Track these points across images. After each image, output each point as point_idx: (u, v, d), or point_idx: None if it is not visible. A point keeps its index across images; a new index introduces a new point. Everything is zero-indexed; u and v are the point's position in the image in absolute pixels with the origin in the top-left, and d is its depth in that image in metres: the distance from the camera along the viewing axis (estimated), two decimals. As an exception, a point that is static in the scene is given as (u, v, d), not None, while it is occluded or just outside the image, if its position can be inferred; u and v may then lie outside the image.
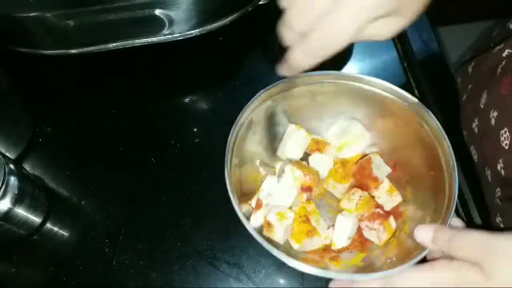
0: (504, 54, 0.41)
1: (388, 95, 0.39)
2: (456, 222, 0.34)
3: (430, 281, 0.29)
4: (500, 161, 0.38)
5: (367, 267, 0.35)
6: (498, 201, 0.40)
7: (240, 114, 0.37)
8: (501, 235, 0.28)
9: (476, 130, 0.43)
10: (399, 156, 0.40)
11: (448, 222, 0.32)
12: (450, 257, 0.29)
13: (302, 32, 0.27)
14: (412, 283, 0.29)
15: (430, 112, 0.37)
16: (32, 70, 0.48)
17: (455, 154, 0.45)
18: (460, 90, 0.50)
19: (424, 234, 0.30)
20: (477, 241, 0.28)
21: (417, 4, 0.28)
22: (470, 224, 0.42)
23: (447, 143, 0.35)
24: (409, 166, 0.40)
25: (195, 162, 0.44)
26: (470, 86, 0.47)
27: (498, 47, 0.42)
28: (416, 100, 0.37)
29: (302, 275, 0.39)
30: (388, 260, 0.34)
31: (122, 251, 0.40)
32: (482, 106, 0.41)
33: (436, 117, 0.48)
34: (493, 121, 0.39)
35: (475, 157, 0.44)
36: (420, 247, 0.31)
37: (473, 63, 0.48)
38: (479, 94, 0.42)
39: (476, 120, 0.43)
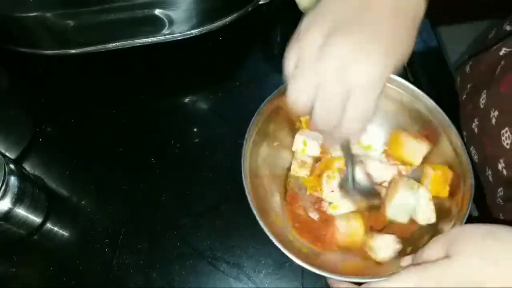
0: (501, 53, 0.41)
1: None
2: None
3: None
4: (501, 160, 0.38)
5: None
6: (501, 201, 0.40)
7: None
8: (461, 226, 0.30)
9: (476, 130, 0.43)
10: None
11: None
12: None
13: (332, 127, 0.28)
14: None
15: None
16: (32, 70, 0.48)
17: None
18: (459, 90, 0.50)
19: (405, 261, 0.33)
20: (438, 241, 0.30)
21: (410, 48, 0.28)
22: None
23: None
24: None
25: (195, 162, 0.44)
26: (469, 86, 0.47)
27: (495, 47, 0.42)
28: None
29: (302, 275, 0.39)
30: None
31: (122, 251, 0.40)
32: (482, 106, 0.41)
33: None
34: (493, 120, 0.39)
35: (475, 157, 0.44)
36: None
37: (470, 63, 0.48)
38: (478, 94, 0.42)
39: (476, 120, 0.43)
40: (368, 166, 0.39)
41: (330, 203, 0.39)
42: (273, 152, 0.41)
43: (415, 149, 0.39)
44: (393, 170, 0.40)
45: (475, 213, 0.42)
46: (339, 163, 0.39)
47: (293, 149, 0.41)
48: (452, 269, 0.28)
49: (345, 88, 0.26)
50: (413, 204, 0.37)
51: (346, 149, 0.35)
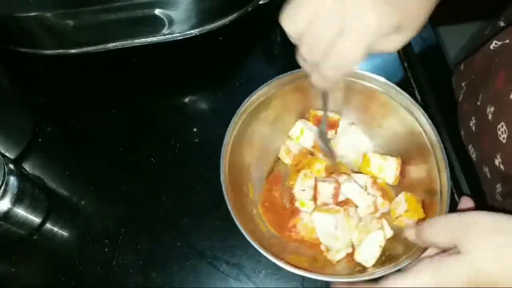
0: (491, 47, 0.41)
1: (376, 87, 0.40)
2: (467, 202, 0.35)
3: None
4: (498, 156, 0.38)
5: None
6: (499, 197, 0.40)
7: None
8: (472, 212, 0.29)
9: (473, 128, 0.43)
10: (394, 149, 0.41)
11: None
12: (431, 256, 0.30)
13: (314, 62, 0.29)
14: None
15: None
16: (32, 70, 0.48)
17: (455, 155, 0.45)
18: (455, 90, 0.50)
19: (409, 231, 0.33)
20: (449, 221, 0.29)
21: (419, 18, 0.29)
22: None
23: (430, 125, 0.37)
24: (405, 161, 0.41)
25: (195, 162, 0.44)
26: (464, 84, 0.47)
27: (487, 43, 0.42)
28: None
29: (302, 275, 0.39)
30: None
31: (122, 251, 0.40)
32: (478, 104, 0.41)
33: (437, 117, 0.48)
34: (490, 116, 0.39)
35: (474, 155, 0.44)
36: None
37: (465, 62, 0.48)
38: (475, 92, 0.42)
39: (473, 118, 0.43)
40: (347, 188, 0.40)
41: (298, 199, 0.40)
42: (271, 132, 0.41)
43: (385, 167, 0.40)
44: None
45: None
46: (320, 166, 0.40)
47: (289, 133, 0.42)
48: (466, 267, 0.27)
49: (338, 24, 0.26)
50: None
51: (324, 99, 0.36)
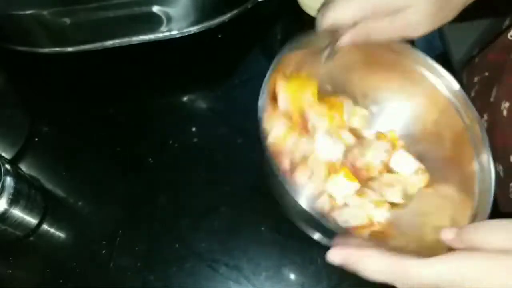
0: (509, 35, 0.40)
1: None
2: None
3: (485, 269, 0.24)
4: None
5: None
6: None
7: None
8: None
9: (485, 125, 0.42)
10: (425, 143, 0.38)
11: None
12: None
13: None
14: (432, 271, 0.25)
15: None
16: (29, 69, 0.48)
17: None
18: (466, 87, 0.49)
19: (449, 232, 0.27)
20: (502, 225, 0.25)
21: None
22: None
23: (484, 143, 0.33)
24: (433, 164, 0.37)
25: (193, 162, 0.44)
26: (477, 80, 0.46)
27: (504, 33, 0.42)
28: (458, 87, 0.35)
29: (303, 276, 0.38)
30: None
31: (120, 253, 0.39)
32: (492, 99, 0.41)
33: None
34: (505, 112, 0.38)
35: None
36: None
37: (479, 56, 0.47)
38: (489, 88, 0.42)
39: (485, 115, 0.42)
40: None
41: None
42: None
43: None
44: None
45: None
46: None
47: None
48: None
49: None
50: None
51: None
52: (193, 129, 0.46)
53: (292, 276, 0.39)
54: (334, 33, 0.32)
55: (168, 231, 0.40)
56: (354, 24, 0.31)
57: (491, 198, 0.31)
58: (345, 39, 0.32)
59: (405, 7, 0.29)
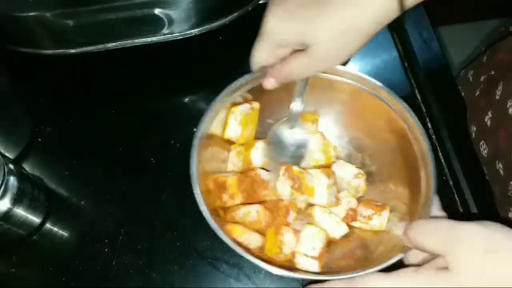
0: None
1: (354, 83, 0.38)
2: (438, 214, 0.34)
3: None
4: None
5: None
6: None
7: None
8: (466, 224, 0.28)
9: (489, 123, 0.42)
10: (373, 149, 0.41)
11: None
12: (417, 266, 0.29)
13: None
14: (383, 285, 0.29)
15: (398, 97, 0.37)
16: (32, 70, 0.48)
17: (457, 154, 0.45)
18: (470, 86, 0.49)
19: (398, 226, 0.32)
20: (441, 229, 0.29)
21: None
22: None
23: (420, 129, 0.35)
24: (383, 160, 0.40)
25: (195, 162, 0.44)
26: (483, 78, 0.46)
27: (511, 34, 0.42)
28: (380, 84, 0.37)
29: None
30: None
31: (122, 251, 0.40)
32: (497, 98, 0.41)
33: (438, 116, 0.47)
34: (510, 110, 0.38)
35: (485, 152, 0.44)
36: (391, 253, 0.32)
37: (487, 55, 0.48)
38: (494, 86, 0.42)
39: (489, 113, 0.42)
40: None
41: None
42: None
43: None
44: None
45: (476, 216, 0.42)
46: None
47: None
48: (452, 284, 0.27)
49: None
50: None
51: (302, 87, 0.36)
52: (194, 129, 0.46)
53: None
54: (263, 75, 0.35)
55: (170, 229, 0.41)
56: (275, 64, 0.34)
57: (433, 196, 0.33)
58: (269, 82, 0.35)
59: (312, 43, 0.31)
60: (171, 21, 0.43)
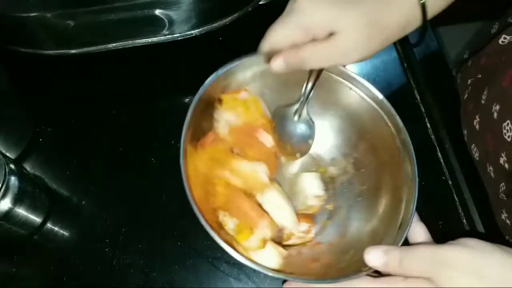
0: (500, 41, 0.41)
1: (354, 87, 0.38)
2: (417, 227, 0.35)
3: None
4: (503, 154, 0.38)
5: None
6: (503, 196, 0.40)
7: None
8: (446, 246, 0.29)
9: (477, 126, 0.43)
10: (359, 159, 0.40)
11: (402, 239, 0.32)
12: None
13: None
14: None
15: (393, 110, 0.37)
16: (32, 70, 0.48)
17: (455, 156, 0.45)
18: (459, 89, 0.50)
19: (375, 258, 0.31)
20: (425, 256, 0.29)
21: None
22: (470, 224, 0.43)
23: (409, 149, 0.35)
24: (367, 173, 0.39)
25: (195, 162, 0.44)
26: (470, 81, 0.47)
27: (496, 37, 0.42)
28: (381, 96, 0.37)
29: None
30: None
31: (123, 251, 0.40)
32: (483, 102, 0.41)
33: (437, 117, 0.48)
34: (495, 114, 0.39)
35: (476, 155, 0.44)
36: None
37: (472, 58, 0.48)
38: (480, 91, 0.42)
39: (477, 117, 0.43)
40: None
41: None
42: None
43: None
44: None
45: (476, 216, 0.42)
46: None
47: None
48: None
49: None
50: None
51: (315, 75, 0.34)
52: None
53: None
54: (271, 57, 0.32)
55: (170, 229, 0.41)
56: (290, 47, 0.31)
57: (414, 206, 0.33)
58: (279, 64, 0.32)
59: (336, 31, 0.30)
60: (171, 22, 0.43)
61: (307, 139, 0.39)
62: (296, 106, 0.38)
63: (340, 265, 0.34)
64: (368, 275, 0.31)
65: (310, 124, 0.39)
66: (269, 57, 0.33)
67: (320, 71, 0.35)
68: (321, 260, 0.36)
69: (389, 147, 0.37)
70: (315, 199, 0.39)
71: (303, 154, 0.40)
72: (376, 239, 0.35)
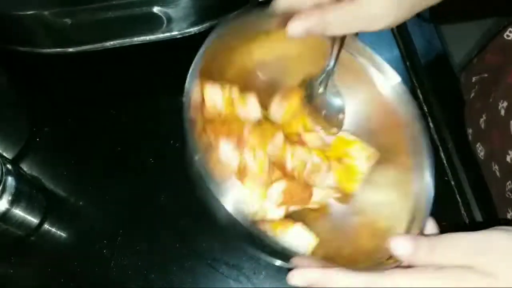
0: (505, 35, 0.41)
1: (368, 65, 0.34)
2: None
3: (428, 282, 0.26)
4: (510, 152, 0.38)
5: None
6: (510, 195, 0.39)
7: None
8: (493, 231, 0.26)
9: (483, 125, 0.42)
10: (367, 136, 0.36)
11: (423, 226, 0.30)
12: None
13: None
14: (406, 285, 0.26)
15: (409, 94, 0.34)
16: (30, 69, 0.48)
17: (458, 156, 0.44)
18: (465, 88, 0.49)
19: (404, 246, 0.27)
20: (462, 243, 0.26)
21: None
22: (473, 225, 0.42)
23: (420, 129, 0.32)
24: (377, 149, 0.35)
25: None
26: (475, 81, 0.46)
27: (501, 32, 0.42)
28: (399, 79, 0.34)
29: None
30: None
31: (121, 252, 0.40)
32: (490, 100, 0.41)
33: (440, 117, 0.47)
34: (502, 112, 0.38)
35: (481, 154, 0.44)
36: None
37: (478, 56, 0.48)
38: (487, 89, 0.42)
39: (483, 115, 0.42)
40: None
41: None
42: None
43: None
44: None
45: (478, 217, 0.42)
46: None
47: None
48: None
49: None
50: None
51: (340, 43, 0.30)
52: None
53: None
54: (286, 18, 0.27)
55: (169, 230, 0.41)
56: (312, 7, 0.27)
57: (431, 200, 0.30)
58: (297, 28, 0.27)
59: None
60: (170, 20, 0.43)
61: (338, 112, 0.35)
62: (321, 77, 0.33)
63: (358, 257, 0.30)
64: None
65: (338, 96, 0.35)
66: (285, 17, 0.28)
67: (343, 39, 0.30)
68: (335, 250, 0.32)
69: (396, 136, 0.34)
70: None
71: (339, 128, 0.35)
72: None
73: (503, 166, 0.39)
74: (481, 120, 0.43)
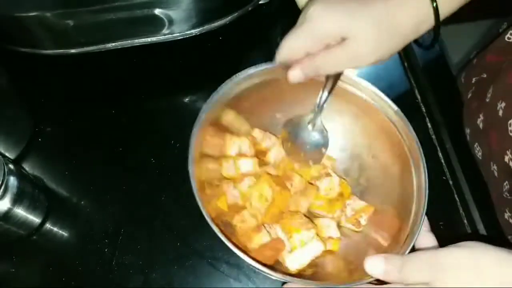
0: (506, 38, 0.41)
1: (368, 98, 0.38)
2: (426, 238, 0.34)
3: None
4: (508, 152, 0.38)
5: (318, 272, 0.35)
6: (507, 195, 0.39)
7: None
8: (445, 249, 0.29)
9: (481, 125, 0.43)
10: (372, 170, 0.40)
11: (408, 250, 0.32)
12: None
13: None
14: None
15: (408, 123, 0.36)
16: (32, 70, 0.48)
17: (456, 156, 0.45)
18: (463, 88, 0.50)
19: (376, 267, 0.30)
20: (424, 262, 0.29)
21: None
22: (471, 225, 0.42)
23: (423, 164, 0.35)
24: (378, 183, 0.39)
25: (195, 162, 0.44)
26: (474, 81, 0.47)
27: (502, 34, 0.42)
28: (396, 108, 0.37)
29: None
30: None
31: (122, 251, 0.40)
32: (488, 100, 0.41)
33: (438, 118, 0.47)
34: (500, 112, 0.39)
35: (479, 154, 0.44)
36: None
37: (478, 56, 0.48)
38: (485, 89, 0.42)
39: (481, 115, 0.43)
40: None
41: None
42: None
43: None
44: None
45: (476, 217, 0.42)
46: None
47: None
48: None
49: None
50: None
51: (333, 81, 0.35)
52: (194, 129, 0.46)
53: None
54: (287, 68, 0.33)
55: (169, 229, 0.41)
56: (306, 55, 0.32)
57: (423, 217, 0.33)
58: (296, 74, 0.33)
59: (350, 36, 0.30)
60: (171, 21, 0.43)
61: (321, 147, 0.39)
62: (310, 116, 0.38)
63: (342, 274, 0.34)
64: (369, 283, 0.31)
65: (324, 133, 0.39)
66: (285, 67, 0.34)
67: (336, 80, 0.35)
68: (324, 268, 0.35)
69: (400, 157, 0.37)
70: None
71: (316, 162, 0.40)
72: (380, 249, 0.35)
73: (500, 166, 0.40)
74: (479, 120, 0.43)
